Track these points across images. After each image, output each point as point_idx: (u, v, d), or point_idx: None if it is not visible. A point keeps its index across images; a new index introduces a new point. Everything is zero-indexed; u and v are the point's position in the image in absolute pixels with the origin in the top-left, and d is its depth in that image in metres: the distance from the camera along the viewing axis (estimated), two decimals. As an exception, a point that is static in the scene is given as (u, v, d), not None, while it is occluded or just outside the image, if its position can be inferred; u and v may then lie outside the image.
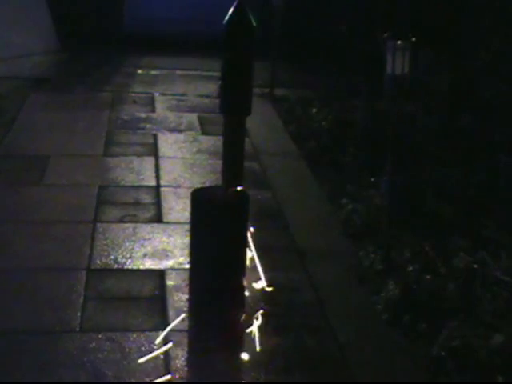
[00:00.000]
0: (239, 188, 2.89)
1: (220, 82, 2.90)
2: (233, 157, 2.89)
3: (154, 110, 8.77)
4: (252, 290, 3.19)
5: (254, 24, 2.85)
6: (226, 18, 2.83)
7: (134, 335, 4.29)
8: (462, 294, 4.71)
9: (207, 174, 6.77)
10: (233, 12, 2.82)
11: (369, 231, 5.66)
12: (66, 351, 4.13)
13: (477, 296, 4.66)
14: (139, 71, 10.52)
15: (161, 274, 4.99)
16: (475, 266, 4.91)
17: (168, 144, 7.58)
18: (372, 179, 6.49)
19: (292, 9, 10.18)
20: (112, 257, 5.19)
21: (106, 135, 7.70)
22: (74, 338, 4.25)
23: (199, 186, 5.93)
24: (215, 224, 2.84)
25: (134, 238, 5.48)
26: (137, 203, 6.11)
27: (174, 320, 4.40)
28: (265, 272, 3.03)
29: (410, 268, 5.02)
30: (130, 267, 5.08)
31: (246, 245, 2.94)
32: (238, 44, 2.84)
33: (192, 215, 2.91)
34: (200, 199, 2.91)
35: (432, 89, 7.76)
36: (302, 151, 7.56)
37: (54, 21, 11.12)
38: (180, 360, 4.04)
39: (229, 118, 2.88)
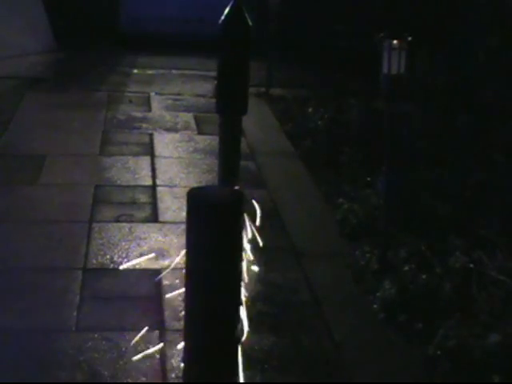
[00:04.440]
0: (235, 187, 2.89)
1: (216, 82, 2.90)
2: (229, 156, 2.89)
3: (150, 110, 8.77)
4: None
5: (251, 24, 2.85)
6: (223, 17, 2.83)
7: (130, 335, 4.29)
8: (458, 294, 4.71)
9: (203, 174, 6.77)
10: (229, 12, 2.82)
11: (365, 231, 5.66)
12: (62, 351, 4.13)
13: (473, 296, 4.65)
14: (135, 71, 10.52)
15: (157, 274, 4.98)
16: (471, 265, 4.91)
17: (164, 143, 7.57)
18: (368, 179, 6.48)
19: (288, 8, 10.18)
20: (108, 256, 5.19)
21: (102, 134, 7.70)
22: (69, 338, 4.25)
23: (195, 185, 5.93)
24: (211, 223, 2.84)
25: (130, 238, 5.48)
26: (133, 203, 6.10)
27: (171, 319, 4.42)
28: (262, 272, 3.05)
29: (407, 268, 5.01)
30: (126, 267, 5.07)
31: (242, 244, 2.94)
32: (234, 44, 2.84)
33: (188, 215, 2.90)
34: (196, 199, 2.91)
35: (429, 88, 7.76)
36: (298, 151, 7.56)
37: (50, 20, 11.11)
38: (176, 359, 4.04)
39: (225, 117, 2.88)
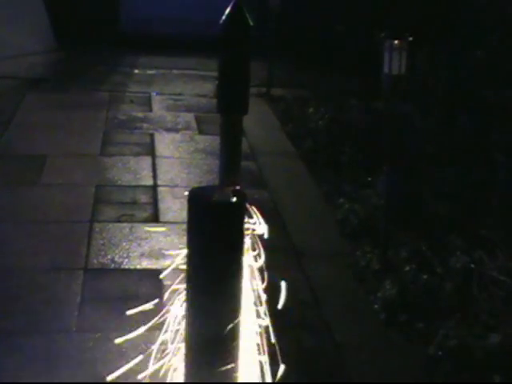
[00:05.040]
0: (236, 188, 2.89)
1: (217, 82, 2.90)
2: (230, 156, 2.88)
3: (150, 110, 8.77)
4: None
5: (251, 24, 2.85)
6: (223, 17, 2.83)
7: (131, 335, 4.28)
8: (458, 294, 4.71)
9: (204, 174, 6.77)
10: (230, 12, 2.82)
11: (366, 231, 5.66)
12: (63, 351, 4.13)
13: (473, 296, 4.66)
14: (136, 71, 10.52)
15: (158, 274, 4.98)
16: (472, 265, 4.91)
17: (165, 143, 7.58)
18: (369, 179, 6.49)
19: (289, 8, 10.19)
20: (109, 256, 5.19)
21: (103, 135, 7.70)
22: (70, 338, 4.25)
23: (196, 185, 5.93)
24: (212, 224, 2.84)
25: (130, 238, 5.48)
26: (134, 203, 6.11)
27: (171, 320, 4.41)
28: (262, 272, 3.05)
29: (407, 268, 5.02)
30: (126, 267, 5.07)
31: (243, 245, 2.94)
32: (235, 44, 2.83)
33: (189, 215, 2.90)
34: (197, 199, 2.91)
35: (429, 88, 7.76)
36: (299, 151, 7.56)
37: (50, 20, 11.11)
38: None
39: (226, 117, 2.88)
